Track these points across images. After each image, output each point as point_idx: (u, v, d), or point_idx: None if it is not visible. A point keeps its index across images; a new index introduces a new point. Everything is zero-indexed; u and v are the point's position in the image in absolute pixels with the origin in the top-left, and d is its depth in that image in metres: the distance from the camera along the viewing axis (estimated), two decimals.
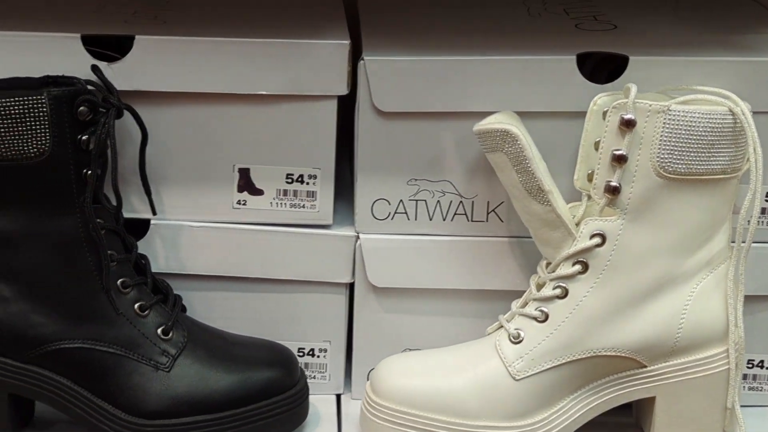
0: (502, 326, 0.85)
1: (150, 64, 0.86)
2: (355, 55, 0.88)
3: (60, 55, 0.86)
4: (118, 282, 0.85)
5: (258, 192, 0.90)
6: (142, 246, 0.89)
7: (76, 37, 0.86)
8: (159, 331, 0.85)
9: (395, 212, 0.90)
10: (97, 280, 0.84)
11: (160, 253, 0.90)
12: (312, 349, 0.94)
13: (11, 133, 0.80)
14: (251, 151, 0.89)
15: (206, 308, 0.91)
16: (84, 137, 0.82)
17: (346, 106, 0.91)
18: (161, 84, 0.87)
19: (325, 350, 0.94)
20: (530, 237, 0.87)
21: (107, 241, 0.84)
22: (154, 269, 0.88)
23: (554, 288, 0.83)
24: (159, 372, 0.84)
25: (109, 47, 0.88)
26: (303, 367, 0.91)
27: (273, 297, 0.92)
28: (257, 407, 0.85)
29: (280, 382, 0.86)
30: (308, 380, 0.89)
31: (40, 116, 0.80)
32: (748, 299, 0.87)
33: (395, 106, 0.87)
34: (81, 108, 0.81)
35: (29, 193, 0.82)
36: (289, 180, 0.90)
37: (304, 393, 0.88)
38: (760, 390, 0.94)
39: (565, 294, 0.83)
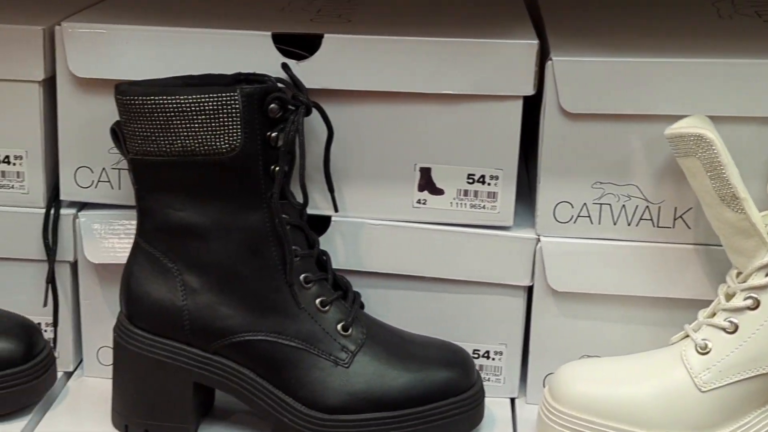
0: (687, 336, 0.83)
1: (338, 62, 0.87)
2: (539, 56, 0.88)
3: (251, 52, 0.88)
4: (301, 277, 0.86)
5: (438, 192, 0.90)
6: (323, 242, 0.90)
7: (266, 35, 0.88)
8: (339, 326, 0.86)
9: (578, 215, 0.89)
10: (282, 275, 0.85)
11: (340, 250, 0.91)
12: (487, 352, 0.93)
13: (205, 129, 0.82)
14: (433, 151, 0.89)
15: (383, 306, 0.92)
16: (273, 134, 0.83)
17: (529, 107, 0.90)
18: (348, 82, 0.88)
19: (501, 353, 0.93)
20: (718, 245, 0.85)
21: (291, 237, 0.85)
22: (333, 265, 0.89)
23: (745, 299, 0.81)
24: (338, 368, 0.85)
25: (297, 45, 0.89)
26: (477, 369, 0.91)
27: (450, 297, 0.92)
28: (435, 407, 0.85)
29: (458, 383, 0.86)
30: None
31: (232, 113, 0.82)
32: None
33: (582, 107, 0.86)
34: (272, 105, 0.83)
35: (219, 188, 0.84)
36: (471, 180, 0.89)
37: (480, 395, 0.87)
38: None
39: (756, 305, 0.81)
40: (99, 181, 0.92)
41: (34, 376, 0.88)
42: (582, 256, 0.89)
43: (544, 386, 0.91)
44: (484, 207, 0.90)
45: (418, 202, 0.91)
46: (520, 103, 0.88)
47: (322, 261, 0.88)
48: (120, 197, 0.93)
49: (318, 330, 0.85)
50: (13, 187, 0.93)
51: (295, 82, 0.86)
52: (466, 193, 0.90)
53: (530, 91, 0.87)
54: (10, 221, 0.93)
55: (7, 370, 0.86)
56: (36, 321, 0.92)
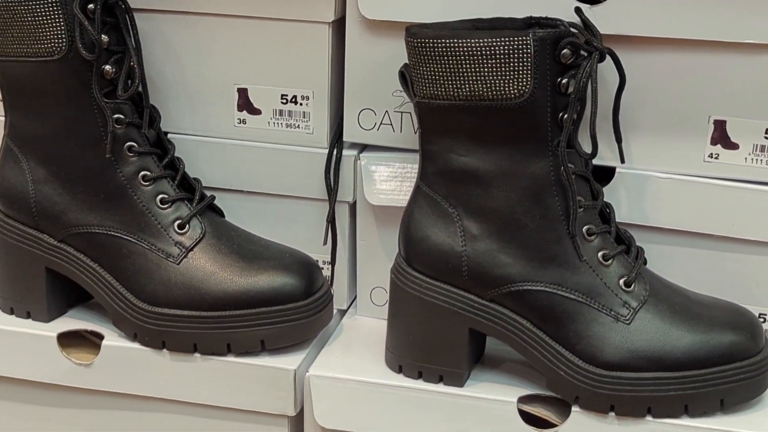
0: None
1: (633, 7, 0.84)
2: None
3: None
4: (584, 229, 0.84)
5: (733, 146, 0.86)
6: (607, 194, 0.87)
7: None
8: (621, 282, 0.83)
9: None
10: (564, 226, 0.83)
11: (623, 203, 0.89)
12: None
13: (494, 74, 0.81)
14: (729, 103, 0.85)
15: (667, 263, 0.89)
16: (564, 80, 0.81)
17: None
18: (643, 28, 0.84)
19: None
20: None
21: (576, 187, 0.83)
22: (617, 219, 0.86)
23: None
24: (619, 323, 0.82)
25: None
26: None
27: (738, 258, 0.88)
28: (719, 371, 0.81)
29: (745, 347, 0.82)
30: None
31: (523, 58, 0.80)
32: None
33: None
34: (564, 50, 0.81)
35: (505, 135, 0.82)
36: None
37: (767, 362, 0.83)
38: None
39: None
40: (381, 123, 0.93)
41: (313, 312, 0.90)
42: None
43: None
44: None
45: (710, 156, 0.87)
46: None
47: (605, 213, 0.86)
48: (401, 140, 0.93)
49: (599, 284, 0.83)
50: (298, 126, 0.95)
51: (588, 27, 0.83)
52: (762, 148, 0.85)
53: None
54: (294, 160, 0.95)
55: (288, 304, 0.89)
56: (315, 258, 0.94)
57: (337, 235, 0.96)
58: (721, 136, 0.86)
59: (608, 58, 0.83)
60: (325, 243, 0.96)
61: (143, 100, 0.92)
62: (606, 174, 0.89)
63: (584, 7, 0.85)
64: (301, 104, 0.94)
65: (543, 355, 0.84)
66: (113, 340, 0.92)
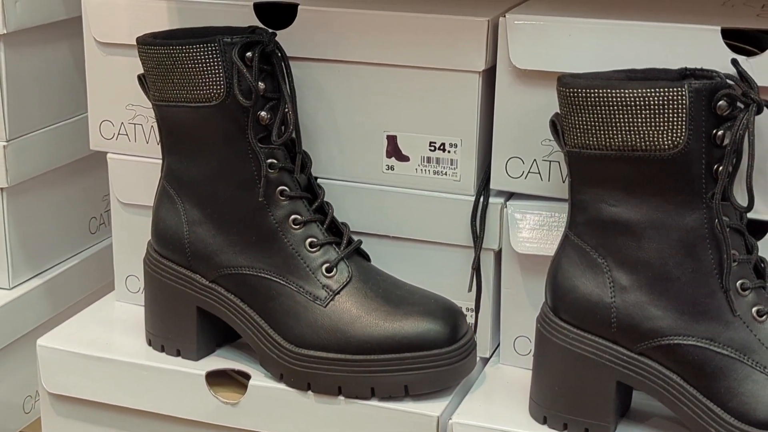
0: None
1: None
2: None
3: (697, 47, 0.85)
4: (738, 283, 0.82)
5: None
6: (762, 248, 0.85)
7: (715, 29, 0.85)
8: None
9: None
10: (717, 280, 0.82)
11: None
12: None
13: (648, 124, 0.80)
14: None
15: None
16: (719, 132, 0.80)
17: None
18: None
19: None
20: None
21: (731, 241, 0.82)
22: None
23: None
24: None
25: (745, 41, 0.85)
26: None
27: None
28: None
29: None
30: None
31: (678, 108, 0.79)
32: None
33: None
34: (720, 102, 0.80)
35: (658, 186, 0.81)
36: None
37: None
38: None
39: None
40: (529, 172, 0.93)
41: (458, 358, 0.90)
42: None
43: None
44: None
45: None
46: None
47: (759, 268, 0.84)
48: (548, 189, 0.93)
49: (753, 340, 0.81)
50: (446, 174, 0.96)
51: (745, 79, 0.82)
52: None
53: None
54: (441, 207, 0.96)
55: (432, 350, 0.89)
56: (459, 305, 0.94)
57: (482, 282, 0.96)
58: None
59: (765, 110, 0.82)
60: (470, 290, 0.96)
61: (296, 146, 0.94)
62: (761, 228, 0.87)
63: (741, 58, 0.84)
64: (449, 152, 0.95)
65: (693, 411, 0.82)
66: (260, 380, 0.94)
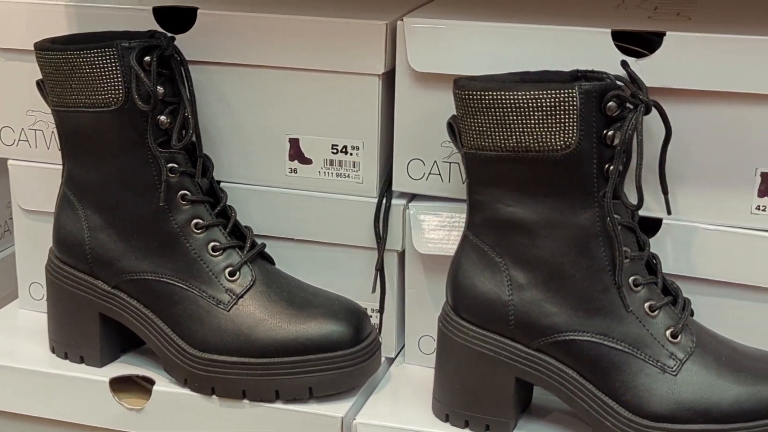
0: None
1: (679, 61, 0.85)
2: None
3: (589, 49, 0.87)
4: (630, 279, 0.84)
5: None
6: (653, 245, 0.88)
7: (606, 32, 0.87)
8: (667, 333, 0.83)
9: None
10: (610, 276, 0.84)
11: (670, 254, 0.89)
12: None
13: (540, 126, 0.82)
14: None
15: (714, 315, 0.88)
16: (609, 132, 0.82)
17: None
18: (689, 81, 0.85)
19: None
20: None
21: (622, 238, 0.84)
22: (663, 270, 0.87)
23: None
24: (665, 375, 0.82)
25: (637, 43, 0.87)
26: None
27: None
28: (766, 424, 0.81)
29: None
30: None
31: (569, 110, 0.81)
32: None
33: None
34: (610, 103, 0.81)
35: (551, 185, 0.83)
36: None
37: None
38: None
39: None
40: (430, 173, 0.94)
41: (361, 359, 0.91)
42: None
43: None
44: None
45: (758, 208, 0.87)
46: None
47: (651, 264, 0.86)
48: (449, 190, 0.94)
49: (646, 335, 0.83)
50: (349, 176, 0.96)
51: (634, 80, 0.84)
52: None
53: None
54: (344, 209, 0.97)
55: (336, 352, 0.90)
56: (363, 306, 0.95)
57: (386, 283, 0.97)
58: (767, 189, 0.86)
59: (654, 110, 0.84)
60: (373, 291, 0.97)
61: (197, 150, 0.94)
62: (653, 225, 0.89)
63: (630, 60, 0.86)
64: (351, 154, 0.96)
65: (589, 405, 0.84)
66: (164, 385, 0.94)
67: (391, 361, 1.00)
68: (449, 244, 0.93)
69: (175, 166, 0.92)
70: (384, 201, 0.96)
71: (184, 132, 0.93)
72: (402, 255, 0.98)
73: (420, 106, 0.93)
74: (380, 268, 0.96)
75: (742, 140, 0.86)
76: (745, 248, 0.87)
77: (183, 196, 0.93)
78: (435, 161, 0.94)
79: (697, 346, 0.83)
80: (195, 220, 0.93)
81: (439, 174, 0.94)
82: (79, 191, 0.95)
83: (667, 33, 0.85)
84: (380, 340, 0.96)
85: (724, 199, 0.87)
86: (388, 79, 0.94)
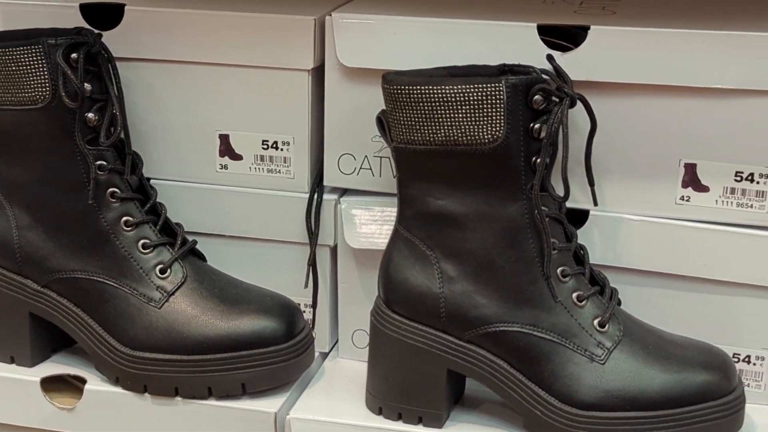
0: None
1: (604, 54, 0.86)
2: None
3: (516, 43, 0.88)
4: (558, 270, 0.85)
5: (704, 189, 0.88)
6: (581, 236, 0.89)
7: (532, 26, 0.88)
8: (595, 322, 0.85)
9: None
10: (538, 267, 0.85)
11: (597, 245, 0.90)
12: (748, 356, 0.90)
13: (468, 120, 0.82)
14: (700, 146, 0.87)
15: (641, 304, 0.90)
16: (536, 125, 0.83)
17: None
18: (613, 75, 0.86)
19: (763, 358, 0.89)
20: None
21: (550, 229, 0.85)
22: (591, 260, 0.88)
23: None
24: (594, 364, 0.84)
25: (561, 37, 0.88)
26: None
27: (711, 298, 0.89)
28: (692, 410, 0.82)
29: (717, 387, 0.83)
30: None
31: (496, 104, 0.82)
32: None
33: None
34: (536, 96, 0.82)
35: (480, 179, 0.84)
36: (738, 178, 0.86)
37: (741, 401, 0.84)
38: None
39: None
40: (361, 168, 0.95)
41: (294, 354, 0.91)
42: None
43: None
44: (751, 206, 0.87)
45: (681, 198, 0.88)
46: None
47: (579, 255, 0.87)
48: (380, 184, 0.95)
49: (574, 324, 0.84)
50: (279, 171, 0.96)
51: (559, 74, 0.85)
52: (733, 191, 0.87)
53: None
54: (275, 204, 0.97)
55: (269, 347, 0.90)
56: (296, 302, 0.95)
57: (319, 278, 0.98)
58: (691, 179, 0.88)
59: (580, 103, 0.85)
60: (306, 286, 0.97)
61: (126, 147, 0.93)
62: (580, 217, 0.91)
63: (556, 54, 0.87)
64: (282, 150, 0.96)
65: (520, 395, 0.85)
66: (96, 384, 0.93)
67: (324, 355, 1.00)
68: (381, 238, 0.94)
69: (104, 163, 0.92)
70: (315, 196, 0.96)
71: (112, 129, 0.92)
72: (334, 250, 0.98)
73: (350, 101, 0.93)
74: (312, 264, 0.97)
75: (666, 132, 0.87)
76: (670, 238, 0.89)
77: (112, 194, 0.92)
78: (366, 156, 0.94)
79: (624, 335, 0.84)
80: (125, 218, 0.92)
81: (370, 168, 0.95)
82: (6, 190, 0.94)
83: (592, 27, 0.86)
84: (313, 335, 0.96)
85: (650, 190, 0.89)
86: (318, 74, 0.95)
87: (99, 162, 0.91)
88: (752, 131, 0.85)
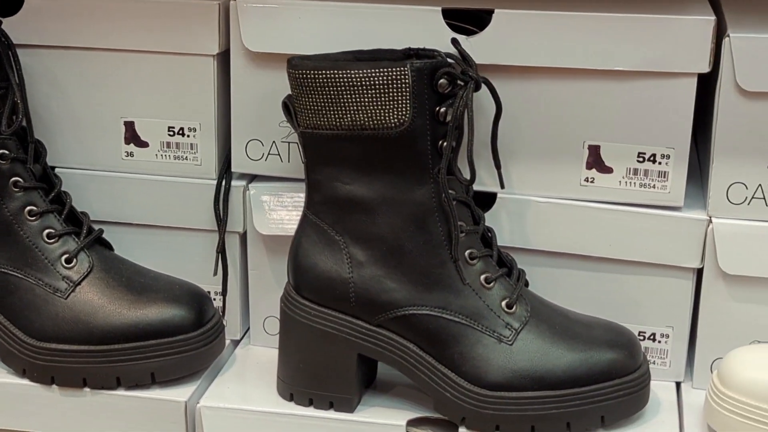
0: None
1: (508, 37, 0.87)
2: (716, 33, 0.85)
3: (421, 27, 0.88)
4: (466, 253, 0.86)
5: (607, 170, 0.89)
6: (489, 219, 0.90)
7: (437, 10, 0.88)
8: (503, 304, 0.85)
9: (752, 197, 0.86)
10: (446, 250, 0.85)
11: (505, 227, 0.91)
12: (653, 334, 0.91)
13: (374, 104, 0.82)
14: (603, 128, 0.88)
15: (548, 285, 0.91)
16: (442, 109, 0.83)
17: (702, 85, 0.88)
18: (517, 58, 0.87)
19: (667, 336, 0.91)
20: None
21: (457, 212, 0.85)
22: (499, 243, 0.89)
23: None
24: (502, 344, 0.84)
25: (466, 21, 0.89)
26: None
27: (616, 278, 0.91)
28: (599, 388, 0.84)
29: (623, 364, 0.84)
30: None
31: (402, 87, 0.82)
32: None
33: (759, 85, 0.84)
34: (441, 80, 0.83)
35: (387, 163, 0.84)
36: (641, 159, 0.88)
37: (646, 378, 0.86)
38: None
39: None
40: (269, 154, 0.94)
41: (204, 342, 0.91)
42: (756, 239, 0.86)
43: (711, 371, 0.89)
44: (654, 187, 0.88)
45: (586, 180, 0.89)
46: (694, 81, 0.86)
47: (487, 237, 0.88)
48: (289, 170, 0.94)
49: (482, 306, 0.85)
50: (186, 158, 0.96)
51: (464, 57, 0.86)
52: (635, 171, 0.88)
53: (705, 68, 0.85)
54: (183, 192, 0.96)
55: (178, 336, 0.89)
56: (206, 289, 0.94)
57: (228, 265, 0.97)
58: (595, 161, 0.89)
59: (485, 86, 0.86)
60: (215, 274, 0.97)
61: (28, 135, 0.92)
62: (488, 200, 0.91)
63: (461, 38, 0.87)
64: (188, 136, 0.95)
65: (430, 378, 0.86)
66: (2, 376, 0.91)
67: (236, 343, 1.00)
68: (291, 224, 0.94)
69: (6, 152, 0.90)
70: (223, 183, 0.96)
71: (14, 117, 0.90)
72: (243, 236, 0.97)
73: (256, 86, 0.92)
74: (221, 251, 0.96)
75: (570, 114, 0.88)
76: (576, 219, 0.90)
77: (15, 183, 0.90)
78: (273, 141, 0.94)
79: (532, 316, 0.85)
80: (28, 207, 0.91)
81: (278, 154, 0.94)
82: None
83: (496, 11, 0.87)
84: (224, 322, 0.95)
85: (555, 171, 0.90)
86: (223, 59, 0.94)
87: (1, 151, 0.90)
88: (653, 113, 0.87)
